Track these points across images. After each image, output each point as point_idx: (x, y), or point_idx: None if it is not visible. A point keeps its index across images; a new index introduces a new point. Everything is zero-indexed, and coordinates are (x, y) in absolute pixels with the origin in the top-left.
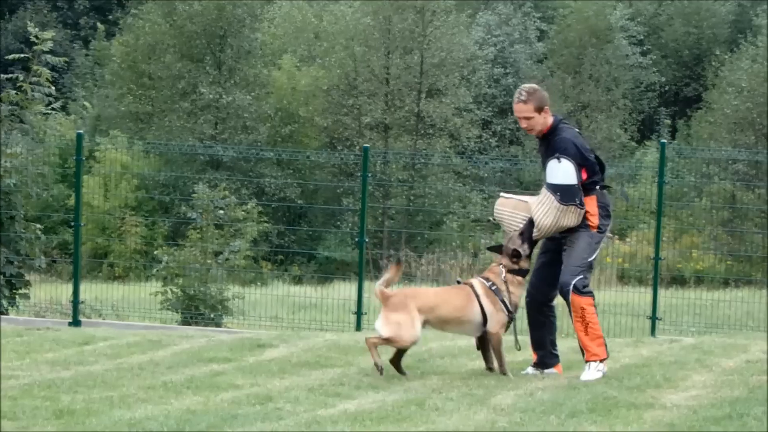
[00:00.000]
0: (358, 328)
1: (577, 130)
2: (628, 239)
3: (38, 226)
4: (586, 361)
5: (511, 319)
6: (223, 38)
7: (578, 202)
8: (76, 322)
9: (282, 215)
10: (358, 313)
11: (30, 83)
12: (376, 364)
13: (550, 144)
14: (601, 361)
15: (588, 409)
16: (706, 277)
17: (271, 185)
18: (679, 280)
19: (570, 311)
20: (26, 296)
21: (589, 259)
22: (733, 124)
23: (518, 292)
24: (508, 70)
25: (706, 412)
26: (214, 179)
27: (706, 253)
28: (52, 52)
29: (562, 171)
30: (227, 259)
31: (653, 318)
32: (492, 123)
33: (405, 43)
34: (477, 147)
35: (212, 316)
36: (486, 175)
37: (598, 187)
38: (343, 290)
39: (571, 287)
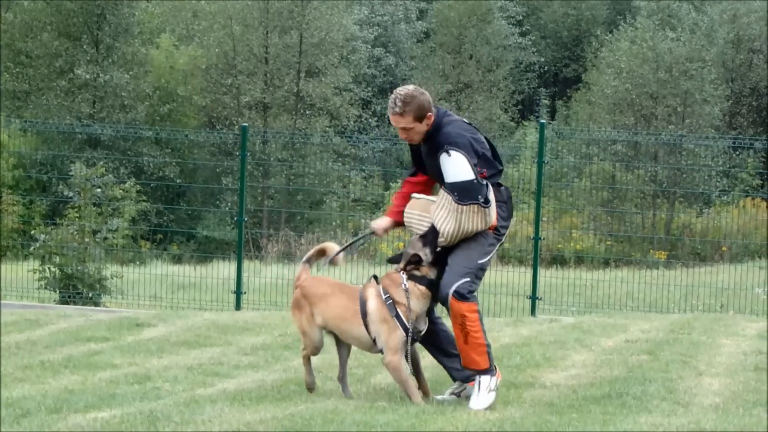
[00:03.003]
0: (238, 307)
1: (466, 121)
2: None
3: None
4: (464, 367)
5: (412, 339)
6: (101, 16)
7: (481, 199)
8: None
9: (161, 194)
10: (238, 293)
11: None
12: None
13: (434, 140)
14: (486, 372)
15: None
16: (586, 257)
17: (150, 164)
18: (559, 260)
19: (449, 316)
20: None
21: (480, 262)
22: (612, 105)
23: (419, 306)
24: (389, 50)
25: (585, 392)
26: (92, 158)
27: (586, 233)
28: None
29: (454, 165)
30: (105, 238)
31: (533, 298)
32: (372, 103)
33: (284, 22)
34: (357, 127)
35: (90, 295)
36: (366, 155)
37: (496, 183)
38: (223, 269)
39: (452, 291)
